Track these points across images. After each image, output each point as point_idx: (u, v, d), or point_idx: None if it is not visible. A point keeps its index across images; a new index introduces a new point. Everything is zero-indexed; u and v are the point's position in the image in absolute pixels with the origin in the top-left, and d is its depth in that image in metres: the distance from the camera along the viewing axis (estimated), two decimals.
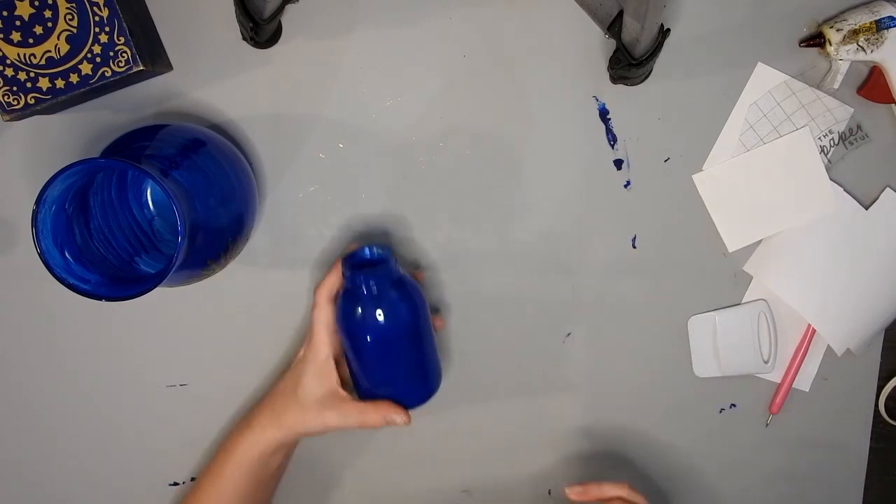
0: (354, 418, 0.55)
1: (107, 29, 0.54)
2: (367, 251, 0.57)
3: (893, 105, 0.63)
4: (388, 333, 0.54)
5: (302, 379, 0.56)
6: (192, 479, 0.67)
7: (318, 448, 0.66)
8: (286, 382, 0.58)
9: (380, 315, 0.54)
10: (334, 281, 0.56)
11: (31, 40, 0.54)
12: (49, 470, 0.67)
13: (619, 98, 0.63)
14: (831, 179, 0.64)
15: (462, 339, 0.66)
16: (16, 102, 0.55)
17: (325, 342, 0.56)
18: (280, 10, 0.56)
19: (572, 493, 0.58)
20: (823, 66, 0.63)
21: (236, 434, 0.58)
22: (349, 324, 0.55)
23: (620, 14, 0.58)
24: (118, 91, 0.61)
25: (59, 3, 0.54)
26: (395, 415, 0.55)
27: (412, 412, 0.56)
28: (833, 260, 0.64)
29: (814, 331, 0.66)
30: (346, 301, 0.55)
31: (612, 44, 0.60)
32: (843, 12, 0.61)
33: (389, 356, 0.55)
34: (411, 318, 0.55)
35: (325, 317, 0.56)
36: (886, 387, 0.68)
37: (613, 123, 0.63)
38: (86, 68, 0.55)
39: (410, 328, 0.55)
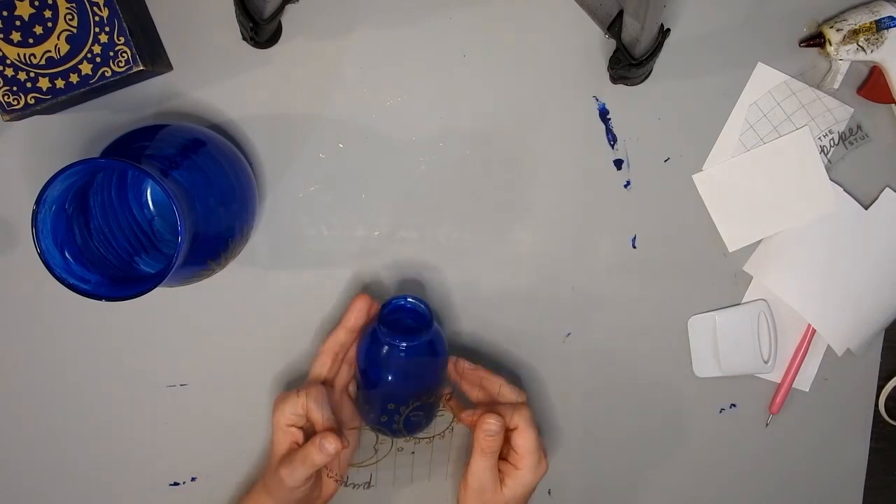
0: (298, 461, 0.54)
1: (107, 29, 0.54)
2: (407, 303, 0.57)
3: (893, 105, 0.63)
4: (407, 391, 0.56)
5: (272, 446, 0.58)
6: (193, 479, 0.67)
7: None
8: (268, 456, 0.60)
9: (407, 378, 0.55)
10: (295, 407, 0.56)
11: (31, 40, 0.54)
12: (49, 470, 0.67)
13: (619, 98, 0.63)
14: (831, 179, 0.64)
15: (462, 338, 0.66)
16: (16, 102, 0.55)
17: (282, 414, 0.56)
18: (280, 10, 0.56)
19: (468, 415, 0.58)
20: (823, 66, 0.63)
21: (240, 500, 0.61)
22: (369, 368, 0.56)
23: (620, 14, 0.58)
24: (118, 91, 0.61)
25: (59, 3, 0.54)
26: (326, 441, 0.53)
27: None
28: (833, 260, 0.64)
29: (814, 331, 0.66)
30: (373, 349, 0.56)
31: (612, 44, 0.60)
32: (843, 12, 0.61)
33: (401, 402, 0.56)
34: (431, 379, 0.57)
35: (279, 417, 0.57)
36: (886, 387, 0.68)
37: (613, 123, 0.63)
38: (86, 68, 0.55)
39: (428, 386, 0.57)
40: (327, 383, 0.60)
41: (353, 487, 0.60)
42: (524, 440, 0.55)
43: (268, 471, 0.58)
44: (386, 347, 0.55)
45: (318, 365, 0.59)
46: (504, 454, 0.58)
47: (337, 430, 0.55)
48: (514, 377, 0.67)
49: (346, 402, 0.60)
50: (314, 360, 0.60)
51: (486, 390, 0.60)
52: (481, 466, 0.55)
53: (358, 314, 0.58)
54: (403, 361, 0.55)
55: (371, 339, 0.57)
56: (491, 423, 0.54)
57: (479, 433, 0.55)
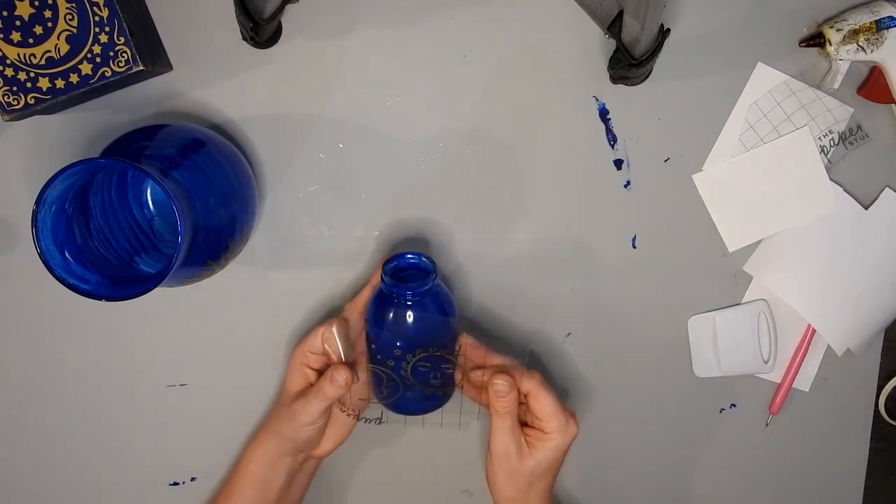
0: (313, 394, 0.55)
1: (107, 29, 0.54)
2: (409, 257, 0.58)
3: (893, 105, 0.63)
4: (413, 339, 0.55)
5: (285, 383, 0.59)
6: (193, 479, 0.67)
7: None
8: (279, 394, 0.60)
9: (412, 328, 0.55)
10: (315, 343, 0.57)
11: (31, 40, 0.54)
12: (49, 470, 0.67)
13: (619, 98, 0.63)
14: (831, 179, 0.64)
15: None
16: (16, 102, 0.55)
17: (298, 352, 0.58)
18: (280, 10, 0.56)
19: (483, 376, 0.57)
20: (823, 66, 0.63)
21: (248, 442, 0.61)
22: (378, 330, 0.56)
23: (620, 14, 0.58)
24: (118, 91, 0.61)
25: (59, 3, 0.54)
26: (337, 374, 0.54)
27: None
28: (833, 260, 0.64)
29: (814, 331, 0.66)
30: (379, 306, 0.57)
31: (612, 44, 0.60)
32: (843, 12, 0.61)
33: (408, 348, 0.56)
34: (438, 333, 0.56)
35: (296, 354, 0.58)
36: (886, 387, 0.68)
37: (613, 123, 0.63)
38: (86, 68, 0.55)
39: (435, 339, 0.56)
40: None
41: (366, 422, 0.60)
42: (541, 404, 0.55)
43: (278, 411, 0.59)
44: (392, 298, 0.56)
45: (347, 310, 0.60)
46: (529, 421, 0.57)
47: (351, 364, 0.56)
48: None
49: (362, 341, 0.60)
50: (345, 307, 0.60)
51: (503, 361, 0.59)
52: (500, 428, 0.55)
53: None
54: (408, 310, 0.56)
55: (377, 293, 0.58)
56: (498, 384, 0.54)
57: (491, 396, 0.54)
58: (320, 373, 0.58)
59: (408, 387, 0.57)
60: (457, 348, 0.58)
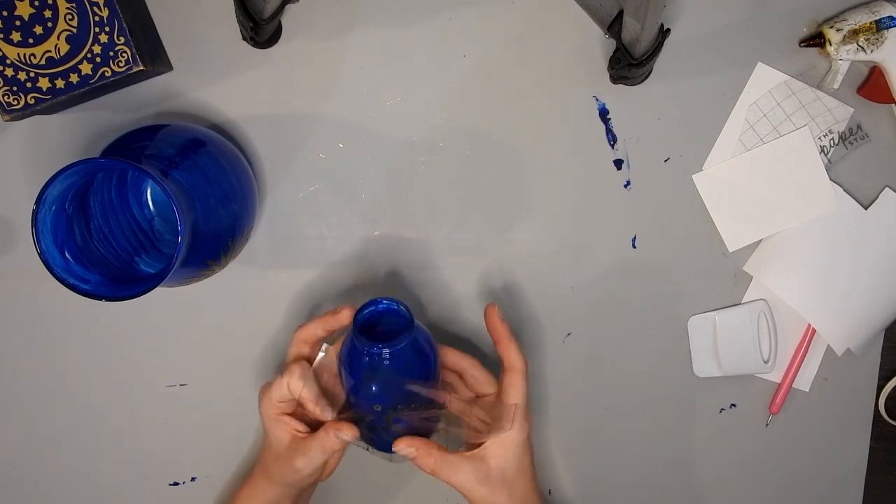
0: (316, 450, 0.53)
1: (107, 29, 0.54)
2: (382, 305, 0.52)
3: (893, 105, 0.63)
4: (398, 400, 0.52)
5: (268, 437, 0.56)
6: (193, 479, 0.67)
7: None
8: (265, 439, 0.58)
9: (392, 385, 0.51)
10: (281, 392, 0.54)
11: (31, 40, 0.54)
12: (49, 470, 0.67)
13: (619, 98, 0.63)
14: (831, 179, 0.64)
15: (462, 338, 0.66)
16: (16, 102, 0.55)
17: (268, 406, 0.55)
18: (280, 10, 0.56)
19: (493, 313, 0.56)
20: (823, 66, 0.63)
21: (241, 488, 0.59)
22: (354, 386, 0.53)
23: (620, 14, 0.58)
24: (118, 91, 0.61)
25: (59, 3, 0.54)
26: (342, 433, 0.53)
27: None
28: (833, 260, 0.64)
29: (814, 331, 0.66)
30: (354, 361, 0.52)
31: (612, 44, 0.60)
32: (843, 12, 0.61)
33: (392, 417, 0.53)
34: (422, 379, 0.53)
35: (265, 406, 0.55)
36: (886, 387, 0.68)
37: (613, 123, 0.63)
38: (86, 68, 0.55)
39: (422, 396, 0.53)
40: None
41: (356, 445, 0.58)
42: (515, 389, 0.54)
43: (273, 463, 0.57)
44: (366, 357, 0.51)
45: (293, 351, 0.57)
46: (482, 416, 0.55)
47: (326, 401, 0.54)
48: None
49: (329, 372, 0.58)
50: (289, 348, 0.57)
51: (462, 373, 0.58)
52: (451, 473, 0.53)
53: (335, 322, 0.56)
54: (385, 368, 0.51)
55: (351, 346, 0.53)
56: (404, 452, 0.53)
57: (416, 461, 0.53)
58: (298, 416, 0.56)
59: (391, 434, 0.54)
60: (439, 393, 0.55)
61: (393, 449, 0.53)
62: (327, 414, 0.53)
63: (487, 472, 0.53)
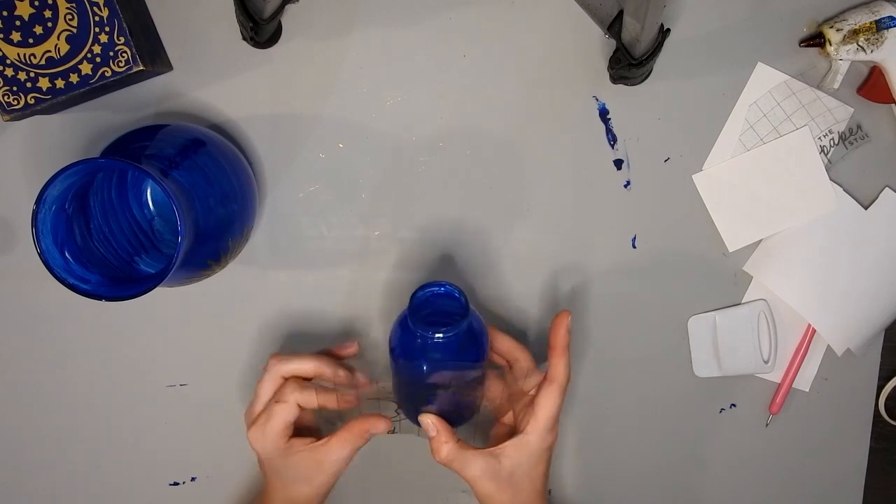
0: (344, 443, 0.54)
1: (107, 29, 0.54)
2: (442, 289, 0.52)
3: (893, 105, 0.63)
4: (434, 383, 0.52)
5: (282, 471, 0.56)
6: (193, 479, 0.67)
7: None
8: (272, 481, 0.57)
9: (440, 370, 0.51)
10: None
11: (31, 40, 0.54)
12: (49, 470, 0.67)
13: (619, 98, 0.63)
14: (831, 179, 0.64)
15: None
16: (16, 102, 0.55)
17: (267, 442, 0.55)
18: (280, 10, 0.56)
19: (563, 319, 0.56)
20: (823, 66, 0.63)
21: None
22: (401, 370, 0.53)
23: (620, 14, 0.58)
24: (118, 91, 0.61)
25: (59, 3, 0.54)
26: (376, 425, 0.54)
27: None
28: (833, 260, 0.64)
29: (814, 331, 0.66)
30: (406, 343, 0.52)
31: (612, 44, 0.60)
32: (843, 12, 0.61)
33: (439, 393, 0.53)
34: (472, 370, 0.53)
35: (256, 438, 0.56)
36: (886, 387, 0.68)
37: (613, 123, 0.63)
38: (86, 68, 0.55)
39: (469, 380, 0.53)
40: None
41: (393, 431, 0.58)
42: (548, 401, 0.54)
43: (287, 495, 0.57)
44: (418, 339, 0.51)
45: (267, 388, 0.56)
46: (516, 412, 0.57)
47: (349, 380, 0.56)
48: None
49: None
50: (262, 381, 0.57)
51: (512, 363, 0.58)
52: (465, 467, 0.54)
53: (331, 367, 0.56)
54: (440, 351, 0.51)
55: (402, 329, 0.53)
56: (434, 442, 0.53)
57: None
58: (297, 432, 0.56)
59: (435, 406, 0.54)
60: (484, 379, 0.55)
61: (419, 418, 0.53)
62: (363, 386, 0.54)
63: (498, 470, 0.53)
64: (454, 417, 0.55)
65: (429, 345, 0.51)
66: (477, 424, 0.60)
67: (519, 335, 0.66)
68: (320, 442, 0.55)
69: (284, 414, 0.54)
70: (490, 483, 0.53)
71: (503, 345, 0.58)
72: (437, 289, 0.52)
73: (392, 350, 0.53)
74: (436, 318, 0.52)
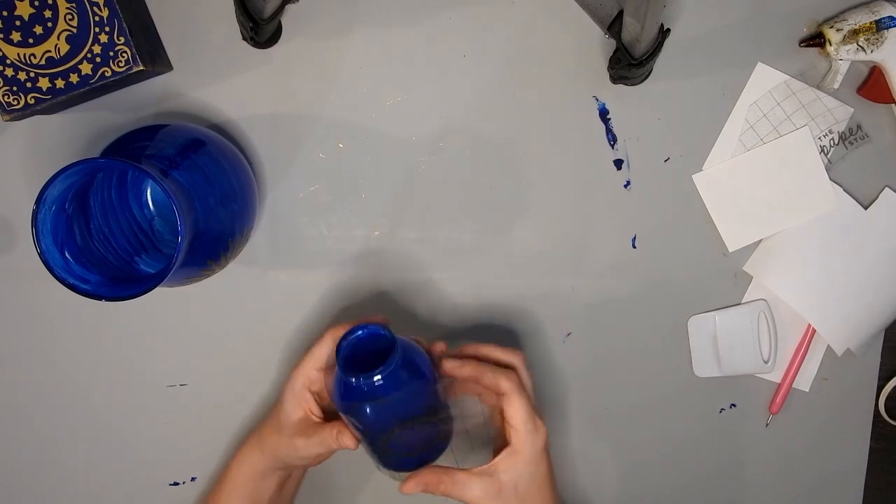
0: (318, 440, 0.54)
1: (107, 29, 0.54)
2: (361, 333, 0.51)
3: (893, 105, 0.63)
4: (390, 424, 0.51)
5: (282, 406, 0.56)
6: (193, 479, 0.67)
7: None
8: (272, 409, 0.58)
9: (387, 410, 0.50)
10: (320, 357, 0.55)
11: (31, 40, 0.54)
12: (49, 470, 0.67)
13: (619, 98, 0.63)
14: (831, 179, 0.64)
15: (461, 339, 0.66)
16: (16, 102, 0.55)
17: (300, 374, 0.55)
18: (280, 10, 0.56)
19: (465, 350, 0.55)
20: (823, 66, 0.63)
21: (234, 454, 0.59)
22: (350, 419, 0.51)
23: (620, 14, 0.59)
24: (118, 91, 0.61)
25: (59, 3, 0.54)
26: (343, 437, 0.53)
27: None
28: (833, 260, 0.64)
29: (814, 331, 0.66)
30: (344, 395, 0.50)
31: (612, 44, 0.60)
32: (843, 12, 0.61)
33: (392, 437, 0.52)
34: (415, 405, 0.51)
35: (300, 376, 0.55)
36: (886, 387, 0.68)
37: (613, 123, 0.63)
38: (86, 68, 0.55)
39: (416, 412, 0.52)
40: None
41: (378, 467, 0.58)
42: (513, 409, 0.52)
43: (273, 433, 0.56)
44: (355, 387, 0.49)
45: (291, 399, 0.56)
46: (497, 424, 0.55)
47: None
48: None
49: None
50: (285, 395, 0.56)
51: (477, 368, 0.55)
52: (465, 492, 0.52)
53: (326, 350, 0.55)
54: (377, 396, 0.49)
55: (340, 383, 0.51)
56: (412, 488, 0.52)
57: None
58: (317, 396, 0.55)
59: (399, 451, 0.53)
60: (443, 398, 0.53)
61: (402, 492, 0.52)
62: (347, 438, 0.53)
63: (499, 488, 0.52)
64: (431, 449, 0.53)
65: (372, 389, 0.49)
66: (472, 439, 0.59)
67: (519, 335, 0.66)
68: (314, 419, 0.55)
69: (318, 355, 0.54)
70: (495, 502, 0.52)
71: (457, 370, 0.54)
72: (360, 332, 0.51)
73: (338, 409, 0.51)
74: (372, 360, 0.50)
